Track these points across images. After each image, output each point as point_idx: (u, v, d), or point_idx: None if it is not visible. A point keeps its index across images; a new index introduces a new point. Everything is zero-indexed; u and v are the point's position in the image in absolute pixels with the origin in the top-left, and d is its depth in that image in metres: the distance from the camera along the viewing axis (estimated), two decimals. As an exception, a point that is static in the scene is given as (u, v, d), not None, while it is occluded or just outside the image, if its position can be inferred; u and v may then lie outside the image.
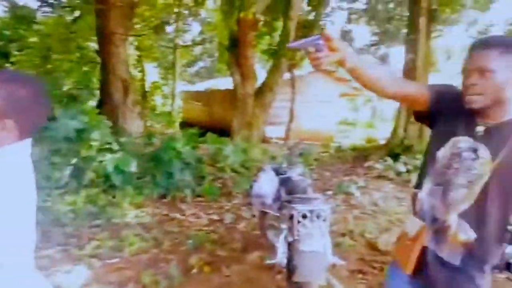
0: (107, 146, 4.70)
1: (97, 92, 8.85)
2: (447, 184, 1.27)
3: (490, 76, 1.22)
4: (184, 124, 14.03)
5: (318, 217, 2.29)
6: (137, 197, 4.85)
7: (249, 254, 3.61)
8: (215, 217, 4.83)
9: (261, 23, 10.84)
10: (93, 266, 3.29)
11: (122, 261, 3.46)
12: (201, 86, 16.84)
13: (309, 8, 12.60)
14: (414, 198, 1.44)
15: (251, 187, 3.44)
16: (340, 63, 1.24)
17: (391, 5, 13.33)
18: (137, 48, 13.47)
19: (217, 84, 14.71)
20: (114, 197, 4.75)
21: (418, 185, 1.44)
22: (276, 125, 11.94)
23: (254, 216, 4.55)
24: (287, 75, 11.26)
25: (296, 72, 12.32)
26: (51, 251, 3.47)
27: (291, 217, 2.36)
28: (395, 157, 7.81)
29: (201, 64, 20.38)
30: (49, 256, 3.39)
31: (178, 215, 4.86)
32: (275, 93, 9.94)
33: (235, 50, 9.67)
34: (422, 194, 1.37)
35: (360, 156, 9.28)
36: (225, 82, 14.52)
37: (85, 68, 11.75)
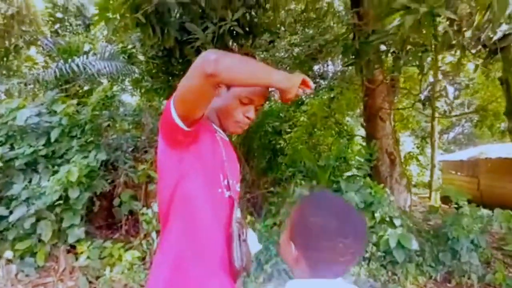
0: (387, 219, 4.69)
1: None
2: None
3: None
4: (445, 197, 12.79)
5: None
6: (418, 277, 4.55)
7: None
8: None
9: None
10: None
11: None
12: (461, 154, 15.11)
13: None
14: None
15: None
16: None
17: None
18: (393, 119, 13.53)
19: (484, 152, 12.89)
20: (394, 274, 4.60)
21: None
22: None
23: None
24: None
25: None
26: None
27: None
28: None
29: (458, 129, 18.41)
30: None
31: (468, 305, 4.26)
32: None
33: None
34: None
35: None
36: (495, 149, 12.65)
37: (342, 141, 12.71)
